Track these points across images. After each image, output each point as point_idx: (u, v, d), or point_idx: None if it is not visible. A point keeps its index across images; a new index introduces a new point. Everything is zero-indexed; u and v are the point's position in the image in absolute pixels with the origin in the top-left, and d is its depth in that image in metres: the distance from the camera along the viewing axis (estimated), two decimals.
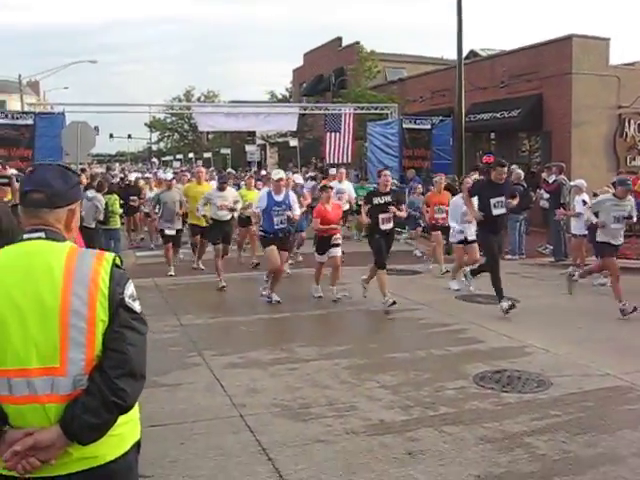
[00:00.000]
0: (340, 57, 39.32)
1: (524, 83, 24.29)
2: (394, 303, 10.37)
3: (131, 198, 18.79)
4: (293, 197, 11.45)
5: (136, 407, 2.49)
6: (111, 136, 67.09)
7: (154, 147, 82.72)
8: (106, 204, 15.23)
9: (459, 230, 12.34)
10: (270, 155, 45.07)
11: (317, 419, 5.95)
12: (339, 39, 41.52)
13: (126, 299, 2.42)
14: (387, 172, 11.34)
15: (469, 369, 7.36)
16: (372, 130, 24.72)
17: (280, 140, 39.58)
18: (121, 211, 16.71)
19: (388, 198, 10.79)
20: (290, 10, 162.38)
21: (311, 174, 24.29)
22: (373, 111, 25.73)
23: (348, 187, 17.48)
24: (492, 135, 27.22)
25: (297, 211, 11.48)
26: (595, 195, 12.68)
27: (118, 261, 2.47)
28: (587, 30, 58.86)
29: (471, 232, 11.87)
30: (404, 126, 23.22)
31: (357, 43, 37.59)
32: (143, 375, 2.45)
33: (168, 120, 66.77)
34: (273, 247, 10.97)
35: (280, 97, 53.70)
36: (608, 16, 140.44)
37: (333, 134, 24.06)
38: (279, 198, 11.10)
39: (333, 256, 11.34)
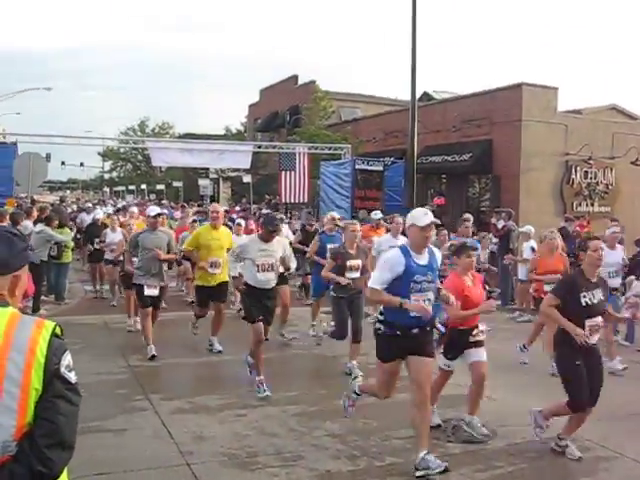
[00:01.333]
0: (296, 95, 39.72)
1: (475, 128, 24.85)
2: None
3: (96, 240, 15.38)
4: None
5: (65, 473, 2.46)
6: (63, 163, 66.43)
7: (106, 176, 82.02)
8: None
9: None
10: (223, 190, 45.10)
11: (264, 469, 5.93)
12: (295, 77, 42.00)
13: (61, 369, 2.40)
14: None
15: None
16: (325, 170, 24.93)
17: (233, 175, 39.67)
18: (73, 245, 16.51)
19: None
20: (248, 44, 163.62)
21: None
22: (327, 151, 25.97)
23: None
24: (443, 177, 27.69)
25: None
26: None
27: (58, 330, 2.45)
28: (536, 78, 60.11)
29: None
30: (357, 167, 23.45)
31: (313, 82, 38.13)
32: (72, 446, 2.41)
33: (122, 150, 66.46)
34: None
35: (235, 132, 53.90)
36: (557, 64, 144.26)
37: (288, 173, 24.18)
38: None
39: (477, 362, 6.99)
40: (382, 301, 6.04)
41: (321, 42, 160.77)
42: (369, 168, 23.87)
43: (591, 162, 24.61)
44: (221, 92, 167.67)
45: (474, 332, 6.93)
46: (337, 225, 11.67)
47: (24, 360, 2.33)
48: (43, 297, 15.00)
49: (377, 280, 5.94)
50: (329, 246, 11.07)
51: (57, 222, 14.65)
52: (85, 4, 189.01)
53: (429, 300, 5.94)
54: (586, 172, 24.87)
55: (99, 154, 70.66)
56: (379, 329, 6.04)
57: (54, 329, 2.44)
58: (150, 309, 10.09)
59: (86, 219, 19.66)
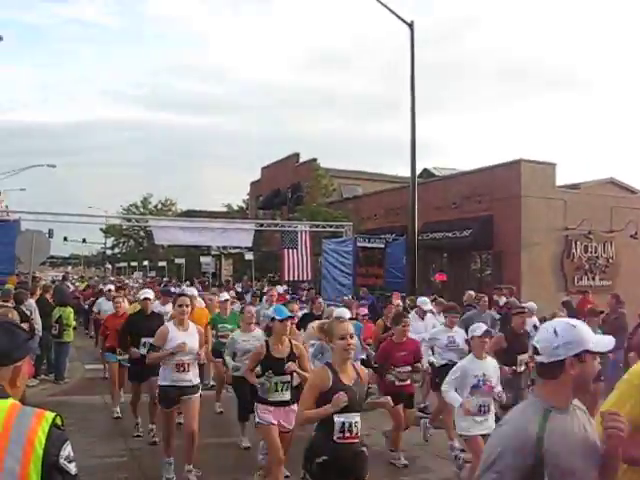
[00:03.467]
0: (297, 173, 40.21)
1: (475, 204, 25.07)
2: None
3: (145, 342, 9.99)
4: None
5: None
6: (65, 239, 66.69)
7: (108, 252, 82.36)
8: (60, 317, 15.11)
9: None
10: (225, 267, 45.24)
11: None
12: (296, 155, 42.55)
13: (61, 461, 2.41)
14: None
15: None
16: (327, 247, 25.07)
17: (235, 252, 39.83)
18: (74, 323, 16.48)
19: None
20: (249, 121, 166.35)
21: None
22: (328, 229, 26.16)
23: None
24: (444, 254, 27.81)
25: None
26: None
27: (59, 420, 2.48)
28: (535, 154, 61.10)
29: None
30: (358, 244, 23.60)
31: (314, 160, 38.65)
32: None
33: (124, 226, 67.06)
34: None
35: (237, 209, 54.37)
36: (554, 140, 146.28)
37: (290, 250, 24.28)
38: None
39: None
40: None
41: (323, 119, 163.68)
42: (370, 245, 24.01)
43: (591, 236, 24.76)
44: (223, 169, 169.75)
45: None
46: None
47: (22, 452, 2.34)
48: (43, 376, 14.97)
49: None
50: None
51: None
52: (86, 82, 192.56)
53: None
54: (586, 246, 24.99)
55: (101, 230, 71.12)
56: None
57: (54, 420, 2.46)
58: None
59: (105, 307, 15.22)
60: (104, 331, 12.31)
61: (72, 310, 15.95)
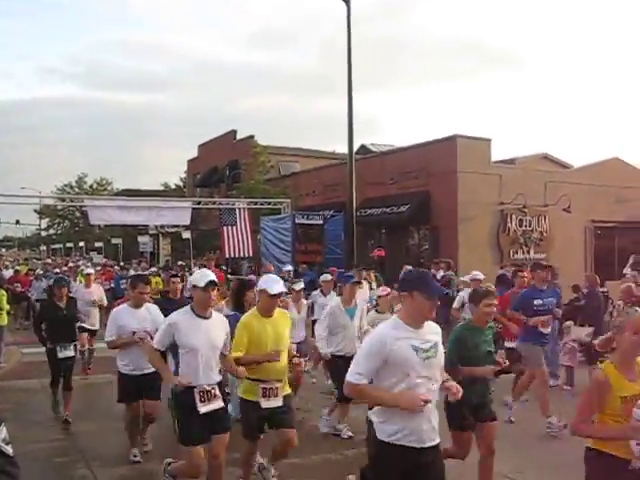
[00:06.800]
0: (234, 150, 39.85)
1: (412, 180, 25.23)
2: None
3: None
4: None
5: None
6: None
7: (43, 233, 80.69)
8: None
9: None
10: (163, 246, 44.73)
11: None
12: (234, 132, 42.14)
13: None
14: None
15: None
16: (265, 225, 25.00)
17: (173, 231, 39.42)
18: (8, 307, 16.09)
19: None
20: (188, 98, 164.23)
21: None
22: (266, 206, 26.06)
23: None
24: (383, 229, 27.97)
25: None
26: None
27: None
28: (470, 130, 61.82)
29: None
30: (297, 221, 23.56)
31: (251, 137, 38.37)
32: None
33: (59, 206, 65.62)
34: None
35: (174, 187, 53.74)
36: (489, 116, 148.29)
37: (229, 228, 24.11)
38: None
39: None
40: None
41: (261, 96, 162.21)
42: (309, 222, 23.98)
43: (525, 210, 25.17)
44: (162, 147, 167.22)
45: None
46: None
47: None
48: None
49: None
50: None
51: None
52: (21, 59, 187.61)
53: None
54: (521, 220, 25.40)
55: (35, 211, 69.62)
56: None
57: None
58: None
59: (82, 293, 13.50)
60: None
61: (4, 293, 15.56)
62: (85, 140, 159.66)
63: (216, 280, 6.00)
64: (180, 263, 25.47)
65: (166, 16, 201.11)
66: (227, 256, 24.88)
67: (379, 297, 10.05)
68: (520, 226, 25.46)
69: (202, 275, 6.05)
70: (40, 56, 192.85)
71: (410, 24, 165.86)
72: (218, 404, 5.93)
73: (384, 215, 25.64)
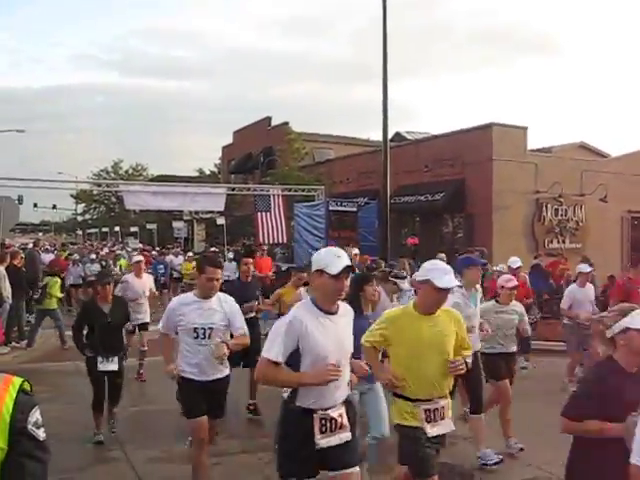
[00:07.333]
0: (269, 136, 39.95)
1: (447, 168, 25.12)
2: None
3: None
4: None
5: None
6: (35, 206, 65.96)
7: (79, 218, 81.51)
8: (46, 284, 15.11)
9: None
10: (197, 232, 45.02)
11: None
12: (268, 118, 42.25)
13: (29, 427, 2.34)
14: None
15: None
16: (299, 211, 24.98)
17: (207, 217, 39.63)
18: (61, 295, 16.46)
19: None
20: (221, 86, 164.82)
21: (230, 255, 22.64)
22: (300, 193, 26.07)
23: None
24: (417, 217, 27.90)
25: None
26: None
27: (26, 386, 2.41)
28: (506, 118, 61.34)
29: None
30: (330, 208, 23.52)
31: (286, 124, 38.44)
32: None
33: (95, 192, 66.16)
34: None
35: (209, 173, 53.96)
36: (526, 104, 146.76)
37: (264, 214, 24.10)
38: None
39: None
40: None
41: (295, 84, 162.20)
42: (343, 209, 23.94)
43: (561, 199, 24.94)
44: (195, 134, 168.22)
45: None
46: None
47: None
48: (14, 344, 14.88)
49: None
50: None
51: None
52: (56, 47, 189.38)
53: None
54: (557, 209, 25.19)
55: (72, 196, 70.33)
56: None
57: (21, 385, 2.39)
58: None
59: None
60: None
61: (58, 280, 15.90)
62: (118, 127, 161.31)
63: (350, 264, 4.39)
64: (213, 249, 25.53)
65: (198, 3, 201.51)
66: (262, 242, 24.94)
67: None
68: (556, 215, 25.24)
69: (333, 257, 4.31)
70: (74, 44, 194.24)
71: (444, 12, 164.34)
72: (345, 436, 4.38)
73: (418, 203, 25.57)
